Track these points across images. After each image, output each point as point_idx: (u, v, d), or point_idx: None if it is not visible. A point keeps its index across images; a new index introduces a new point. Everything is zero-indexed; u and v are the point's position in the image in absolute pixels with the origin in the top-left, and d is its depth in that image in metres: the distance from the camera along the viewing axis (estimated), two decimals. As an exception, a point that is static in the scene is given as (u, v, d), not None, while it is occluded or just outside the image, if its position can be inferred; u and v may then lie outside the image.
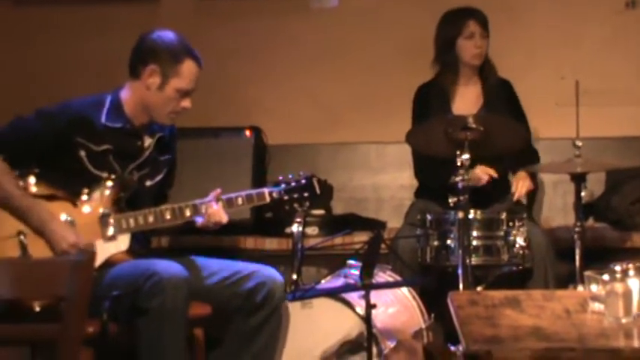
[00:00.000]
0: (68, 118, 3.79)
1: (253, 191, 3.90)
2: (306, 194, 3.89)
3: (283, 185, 3.88)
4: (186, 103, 3.88)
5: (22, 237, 3.65)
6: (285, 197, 3.87)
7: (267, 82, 5.48)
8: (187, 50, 3.86)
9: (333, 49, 5.45)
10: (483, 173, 4.49)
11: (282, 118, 5.42)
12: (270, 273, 3.87)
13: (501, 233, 4.26)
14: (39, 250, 3.66)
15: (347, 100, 5.45)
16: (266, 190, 3.88)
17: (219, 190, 3.85)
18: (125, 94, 3.90)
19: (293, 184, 3.88)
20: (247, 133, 5.18)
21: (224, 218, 3.85)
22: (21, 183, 3.72)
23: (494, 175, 4.51)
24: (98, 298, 3.40)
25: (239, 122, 5.24)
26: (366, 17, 5.42)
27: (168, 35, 3.88)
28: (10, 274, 2.39)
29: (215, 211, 3.82)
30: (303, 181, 3.89)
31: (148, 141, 3.92)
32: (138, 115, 3.89)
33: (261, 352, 3.82)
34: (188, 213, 3.81)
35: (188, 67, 3.84)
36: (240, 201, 3.86)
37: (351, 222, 4.98)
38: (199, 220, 3.86)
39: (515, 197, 4.57)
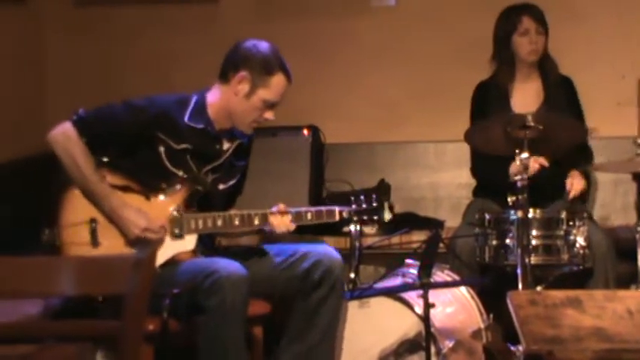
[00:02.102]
0: (154, 112, 3.80)
1: (323, 208, 3.91)
2: (375, 217, 3.89)
3: (354, 206, 3.88)
4: (269, 114, 3.87)
5: (93, 224, 3.71)
6: (355, 218, 3.88)
7: (325, 80, 5.48)
8: (280, 64, 3.85)
9: (392, 48, 5.43)
10: (533, 162, 4.44)
11: (340, 116, 5.42)
12: (325, 250, 3.89)
13: (561, 232, 4.22)
14: (110, 238, 3.72)
15: (406, 98, 5.44)
16: (336, 209, 3.87)
17: (281, 206, 3.85)
18: (211, 97, 3.90)
19: (364, 205, 3.88)
20: (305, 132, 5.19)
21: (291, 227, 3.85)
22: (99, 171, 3.77)
23: (545, 164, 4.46)
24: (159, 296, 3.44)
25: (297, 121, 5.25)
26: (426, 15, 5.40)
27: (264, 45, 3.86)
28: (71, 271, 2.41)
29: (281, 221, 3.82)
30: (374, 204, 3.88)
31: (226, 145, 3.92)
32: (220, 119, 3.89)
33: (326, 329, 3.83)
34: (256, 221, 3.82)
35: (278, 80, 3.83)
36: (309, 216, 3.87)
37: (409, 221, 4.96)
38: (268, 229, 3.87)
39: (571, 196, 4.51)
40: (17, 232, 3.92)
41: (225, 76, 3.87)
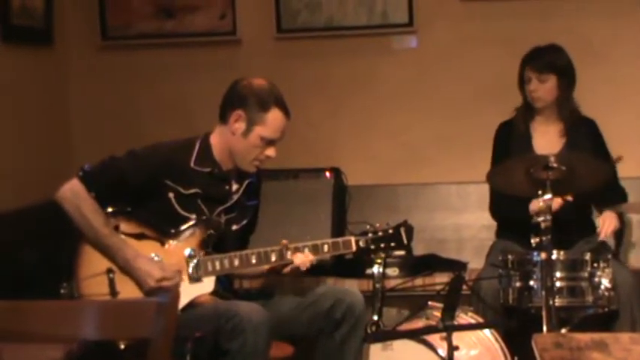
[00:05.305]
0: (159, 160, 3.82)
1: (340, 239, 3.88)
2: (392, 244, 3.85)
3: (370, 234, 3.85)
4: (270, 152, 3.86)
5: (110, 275, 3.71)
6: (372, 246, 3.85)
7: (347, 122, 5.50)
8: (276, 100, 3.84)
9: (414, 89, 5.45)
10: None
11: (362, 158, 5.44)
12: (346, 288, 3.91)
13: (585, 274, 4.19)
14: (127, 287, 3.72)
15: (428, 139, 5.45)
16: (352, 239, 3.84)
17: (284, 242, 3.82)
18: (214, 139, 3.91)
19: (380, 233, 3.85)
20: (327, 174, 5.20)
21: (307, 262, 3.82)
22: (112, 220, 3.78)
23: (569, 197, 4.44)
24: (181, 340, 3.44)
25: (319, 163, 5.26)
26: (448, 57, 5.42)
27: (259, 83, 3.87)
28: (95, 316, 2.41)
29: (305, 258, 3.79)
30: (391, 231, 3.85)
31: (235, 186, 3.93)
32: (225, 159, 3.90)
33: None
34: (273, 258, 3.80)
35: (274, 116, 3.82)
36: (325, 248, 3.84)
37: (432, 263, 4.94)
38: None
39: (602, 236, 4.47)
40: (41, 278, 3.93)
41: (223, 117, 3.88)
